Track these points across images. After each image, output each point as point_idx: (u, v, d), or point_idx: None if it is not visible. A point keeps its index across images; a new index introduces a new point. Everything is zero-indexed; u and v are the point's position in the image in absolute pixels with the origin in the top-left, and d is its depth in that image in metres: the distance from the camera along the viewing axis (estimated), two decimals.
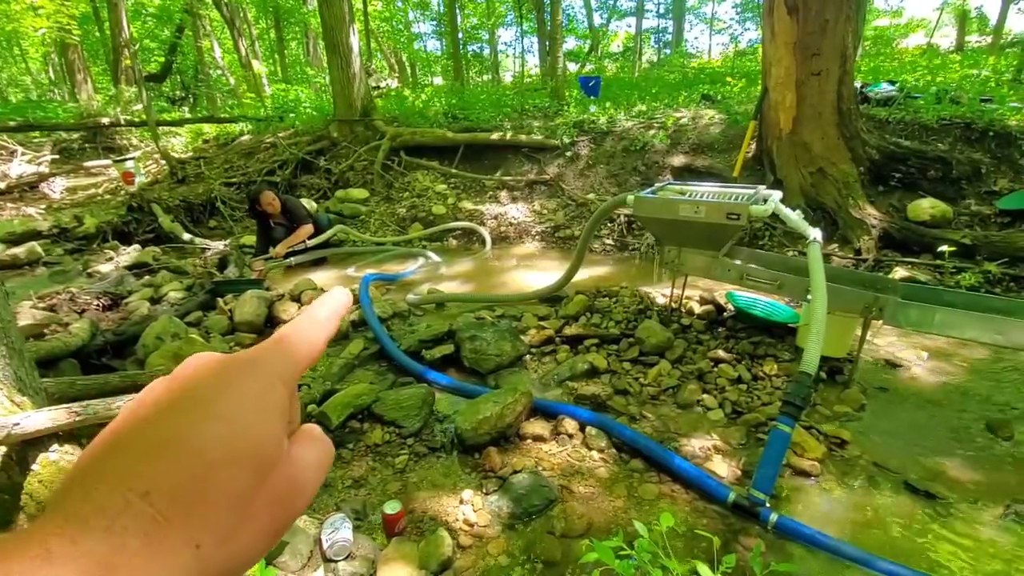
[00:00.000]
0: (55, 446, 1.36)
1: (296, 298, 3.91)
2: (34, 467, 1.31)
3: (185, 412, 0.24)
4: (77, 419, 1.42)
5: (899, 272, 4.10)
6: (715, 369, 2.91)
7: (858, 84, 5.89)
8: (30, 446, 1.41)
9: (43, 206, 7.51)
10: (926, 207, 4.63)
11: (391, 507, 1.88)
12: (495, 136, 7.14)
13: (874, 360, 3.06)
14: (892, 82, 6.47)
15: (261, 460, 0.25)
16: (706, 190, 3.27)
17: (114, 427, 0.25)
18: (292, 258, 5.03)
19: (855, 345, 2.77)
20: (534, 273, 4.94)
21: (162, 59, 16.41)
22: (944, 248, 4.13)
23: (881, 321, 2.57)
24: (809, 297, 2.42)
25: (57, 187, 8.65)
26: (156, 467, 0.22)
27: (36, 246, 5.36)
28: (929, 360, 3.05)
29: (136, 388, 2.46)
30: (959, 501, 2.02)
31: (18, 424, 1.28)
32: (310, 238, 5.15)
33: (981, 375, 2.89)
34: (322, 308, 0.32)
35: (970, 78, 7.10)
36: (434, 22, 23.64)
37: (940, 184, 4.91)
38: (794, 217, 2.75)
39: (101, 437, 0.24)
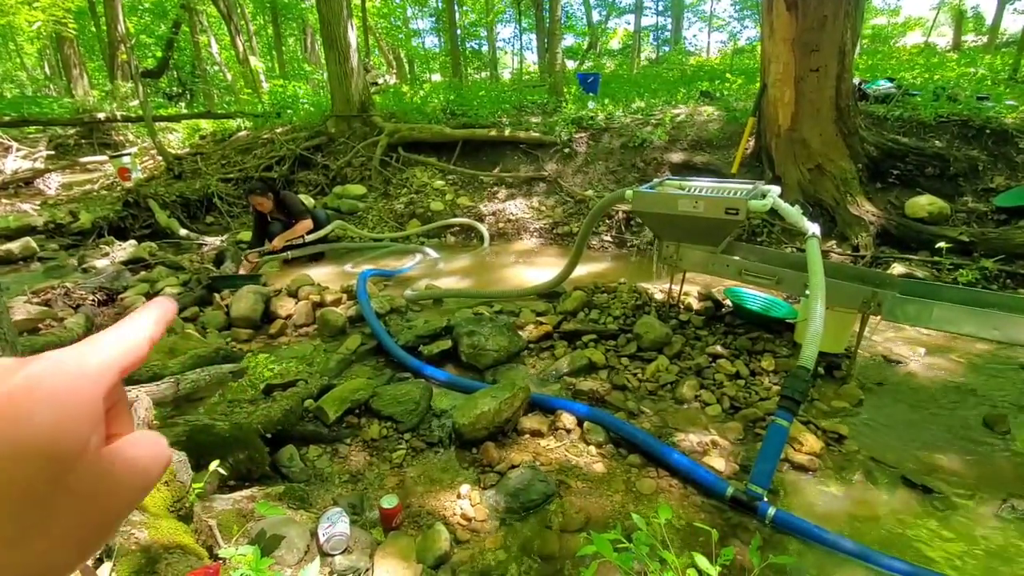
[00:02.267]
0: None
1: (293, 293, 3.89)
2: None
3: None
4: None
5: (897, 269, 4.11)
6: (713, 365, 2.91)
7: (856, 81, 5.89)
8: None
9: (38, 202, 7.46)
10: (924, 204, 4.64)
11: (388, 501, 1.88)
12: (493, 132, 7.12)
13: (872, 356, 3.06)
14: (890, 79, 6.47)
15: (55, 457, 0.23)
16: (705, 185, 3.26)
17: None
18: (288, 252, 5.01)
19: (853, 341, 2.77)
20: (532, 269, 4.93)
21: (159, 55, 16.33)
22: (942, 245, 4.13)
23: (879, 317, 2.57)
24: (807, 292, 2.42)
25: (52, 183, 8.60)
26: None
27: (31, 241, 5.33)
28: (926, 356, 3.06)
29: (131, 382, 2.44)
30: (956, 496, 2.02)
31: None
32: (308, 234, 5.14)
33: (978, 370, 2.90)
34: (145, 312, 0.30)
35: (967, 76, 7.11)
36: (432, 18, 23.60)
37: (938, 181, 4.92)
38: (793, 212, 2.75)
39: None
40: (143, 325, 0.29)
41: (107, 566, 1.16)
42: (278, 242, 4.93)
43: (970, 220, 4.60)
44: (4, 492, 0.21)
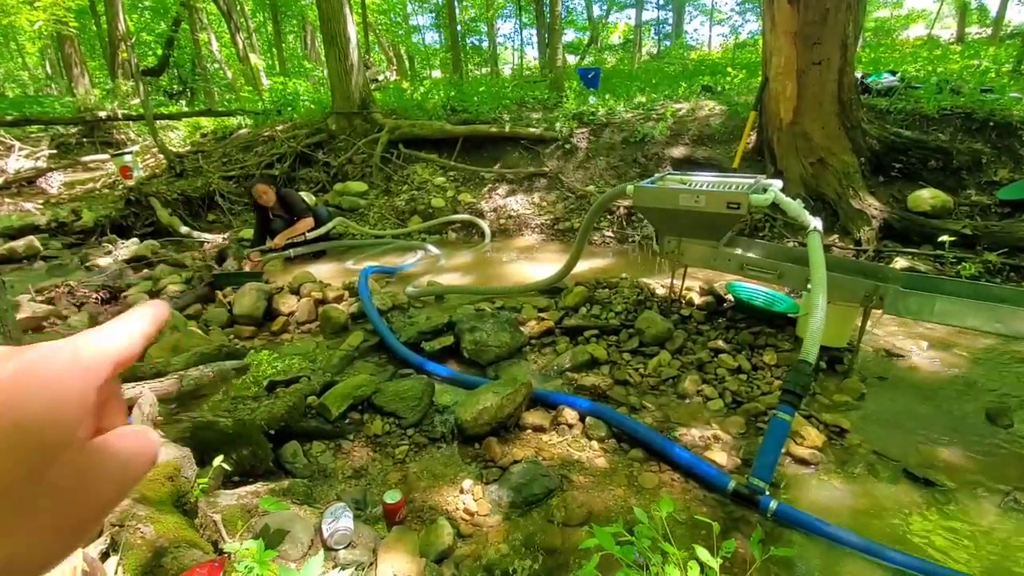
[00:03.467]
0: None
1: (295, 291, 3.90)
2: None
3: None
4: None
5: (900, 262, 4.10)
6: (715, 359, 2.91)
7: (859, 74, 5.86)
8: None
9: (41, 201, 7.50)
10: (927, 197, 4.62)
11: (391, 496, 1.88)
12: (494, 129, 7.11)
13: (874, 349, 3.06)
14: (893, 72, 6.44)
15: (39, 447, 0.22)
16: (706, 180, 3.26)
17: None
18: (291, 250, 5.02)
19: (855, 335, 2.77)
20: (534, 265, 4.93)
21: (159, 53, 16.32)
22: (945, 238, 4.12)
23: (881, 310, 2.57)
24: (809, 287, 2.42)
25: (55, 182, 8.64)
26: None
27: (34, 240, 5.36)
28: (929, 349, 3.05)
29: (135, 379, 2.45)
30: (958, 489, 2.02)
31: None
32: (309, 231, 5.15)
33: (981, 364, 2.90)
34: (139, 311, 0.31)
35: (970, 69, 7.06)
36: (432, 14, 23.53)
37: (941, 174, 4.90)
38: (794, 206, 2.74)
39: None
40: (138, 323, 0.29)
41: (113, 560, 1.17)
42: (280, 240, 4.94)
43: (973, 213, 4.58)
44: None
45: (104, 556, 1.16)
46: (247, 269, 4.62)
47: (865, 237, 4.52)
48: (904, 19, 19.27)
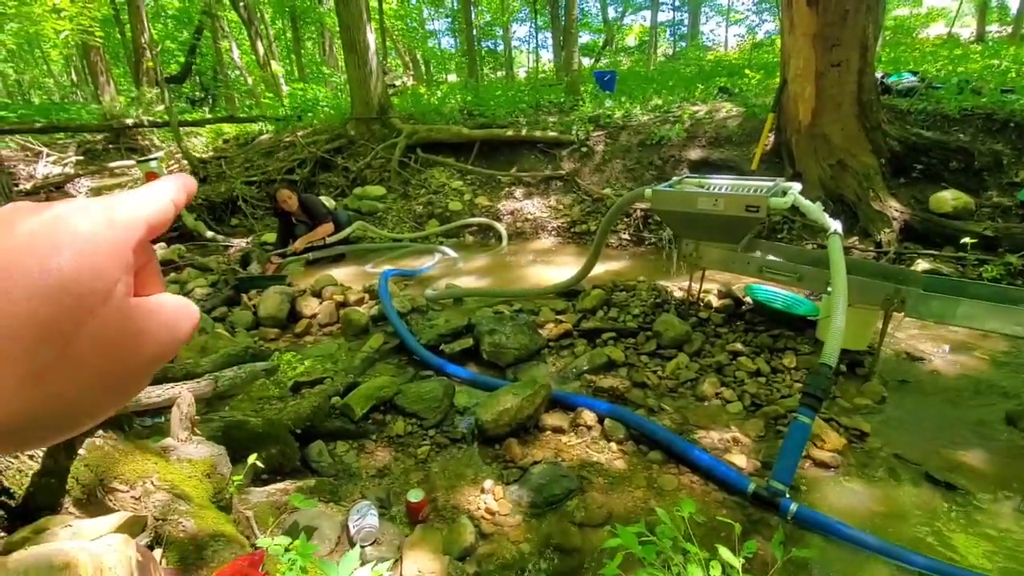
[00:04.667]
0: (100, 432, 1.43)
1: (317, 293, 3.98)
2: (80, 451, 1.38)
3: None
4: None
5: (921, 264, 4.06)
6: (734, 362, 2.92)
7: (879, 74, 5.80)
8: None
9: None
10: (948, 199, 4.57)
11: (414, 495, 1.93)
12: (510, 132, 7.16)
13: (895, 353, 3.04)
14: (914, 72, 6.36)
15: (82, 296, 0.22)
16: (724, 183, 3.27)
17: None
18: (310, 254, 5.12)
19: (876, 338, 2.75)
20: (551, 268, 4.96)
21: (182, 60, 16.68)
22: (966, 240, 4.07)
23: (902, 313, 2.56)
24: (829, 289, 2.42)
25: (82, 187, 8.87)
26: None
27: None
28: (951, 353, 3.02)
29: (166, 380, 2.54)
30: (979, 492, 2.01)
31: None
32: (329, 236, 5.24)
33: (1002, 367, 2.86)
34: (168, 179, 0.30)
35: (991, 68, 6.95)
36: (448, 19, 23.71)
37: (962, 175, 4.84)
38: (814, 209, 2.74)
39: None
40: (169, 188, 0.29)
41: (157, 552, 1.23)
42: (300, 244, 5.04)
43: (995, 215, 4.52)
44: (24, 326, 0.21)
45: (150, 548, 1.22)
46: (269, 272, 4.73)
47: (886, 239, 4.48)
48: (924, 18, 18.94)
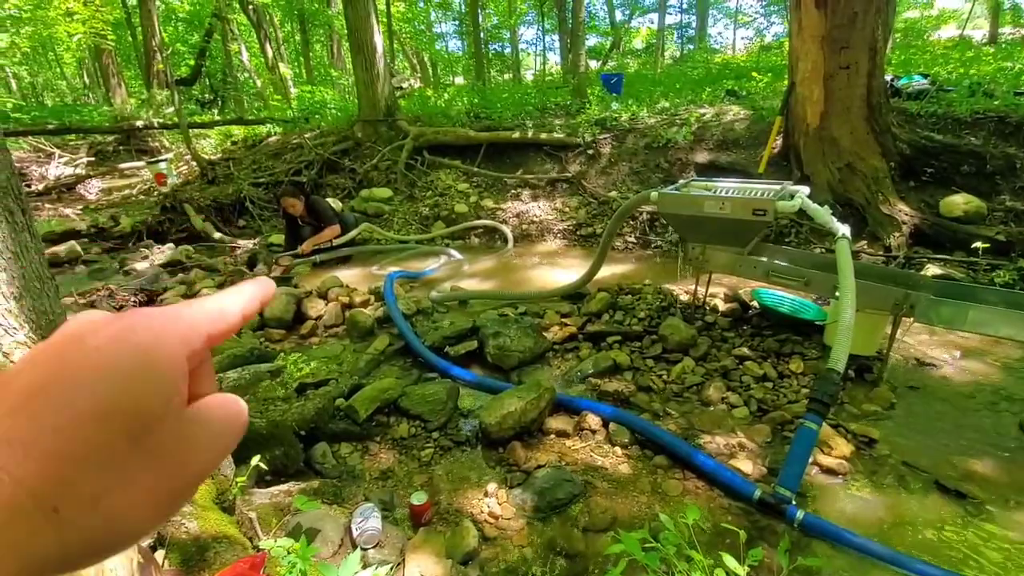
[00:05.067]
0: None
1: (323, 295, 3.99)
2: None
3: (58, 364, 0.22)
4: None
5: (931, 269, 4.01)
6: (740, 367, 2.89)
7: (889, 77, 5.75)
8: None
9: (80, 207, 7.80)
10: (959, 203, 4.52)
11: (418, 498, 1.93)
12: (517, 135, 7.16)
13: (904, 358, 3.00)
14: (924, 75, 6.30)
15: (138, 415, 0.23)
16: (731, 186, 3.24)
17: None
18: (317, 256, 5.14)
19: (885, 343, 2.72)
20: (556, 271, 4.95)
21: (192, 63, 16.83)
22: (978, 245, 4.02)
23: (912, 319, 2.53)
24: (837, 294, 2.39)
25: (93, 188, 8.97)
26: (14, 422, 0.20)
27: (75, 245, 5.57)
28: (961, 359, 2.98)
29: None
30: (991, 501, 1.98)
31: None
32: (335, 238, 5.26)
33: (1015, 374, 2.82)
34: (245, 286, 0.31)
35: (1004, 71, 6.87)
36: (455, 22, 23.78)
37: (974, 179, 4.78)
38: (822, 212, 2.71)
39: None
40: (239, 299, 0.30)
41: (160, 554, 1.23)
42: (307, 246, 5.07)
43: (1008, 219, 4.46)
44: (86, 450, 0.21)
45: (152, 549, 1.22)
46: (276, 274, 4.75)
47: (895, 243, 4.43)
48: (935, 20, 18.79)
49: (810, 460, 2.07)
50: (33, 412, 0.21)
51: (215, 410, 0.27)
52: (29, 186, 8.41)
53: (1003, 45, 11.92)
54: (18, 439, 0.20)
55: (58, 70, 25.62)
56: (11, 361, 1.48)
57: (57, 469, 0.20)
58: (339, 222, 5.33)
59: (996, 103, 5.27)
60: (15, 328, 1.49)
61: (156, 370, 0.24)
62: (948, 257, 4.22)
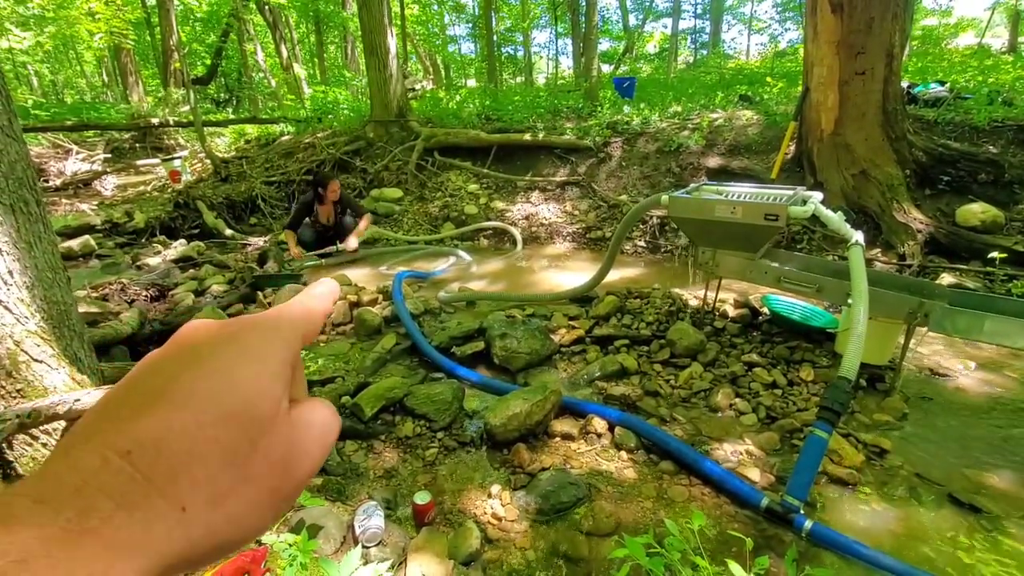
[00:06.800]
0: None
1: None
2: None
3: (178, 369, 0.24)
4: None
5: (946, 279, 3.95)
6: (749, 373, 2.86)
7: (905, 84, 5.69)
8: None
9: (95, 202, 7.89)
10: (976, 211, 4.45)
11: (421, 497, 1.92)
12: (527, 137, 7.16)
13: (918, 368, 2.95)
14: (942, 82, 6.23)
15: (255, 417, 0.24)
16: (743, 191, 3.21)
17: (112, 391, 0.24)
18: (324, 260, 5.16)
19: (897, 352, 2.68)
20: (565, 273, 4.94)
21: (208, 62, 17.04)
22: (995, 254, 3.95)
23: (926, 328, 2.49)
24: (849, 302, 2.36)
25: (109, 184, 9.08)
26: (142, 424, 0.21)
27: (90, 239, 5.64)
28: (977, 370, 2.93)
29: None
30: (1006, 515, 1.93)
31: (79, 400, 1.36)
32: (342, 239, 5.27)
33: None
34: (319, 288, 0.33)
35: (1023, 80, 6.78)
36: (469, 24, 23.89)
37: (991, 188, 4.71)
38: (835, 219, 2.68)
39: (100, 400, 0.24)
40: (318, 300, 0.31)
41: None
42: (353, 241, 5.13)
43: None
44: (211, 451, 0.22)
45: None
46: (290, 257, 4.90)
47: (909, 251, 4.37)
48: (953, 28, 18.58)
49: (819, 469, 2.04)
50: (160, 416, 0.22)
51: (315, 414, 0.28)
52: (47, 181, 8.54)
53: (1023, 53, 11.76)
54: (149, 440, 0.21)
55: (78, 68, 26.06)
56: (22, 350, 1.49)
57: (186, 469, 0.21)
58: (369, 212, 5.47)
59: (1015, 111, 5.21)
60: (26, 317, 1.50)
61: (267, 374, 0.25)
62: (964, 267, 4.15)
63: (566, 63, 22.95)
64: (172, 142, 11.82)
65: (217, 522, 0.22)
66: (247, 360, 0.24)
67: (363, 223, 5.28)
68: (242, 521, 0.23)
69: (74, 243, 5.49)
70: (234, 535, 0.23)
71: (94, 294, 3.77)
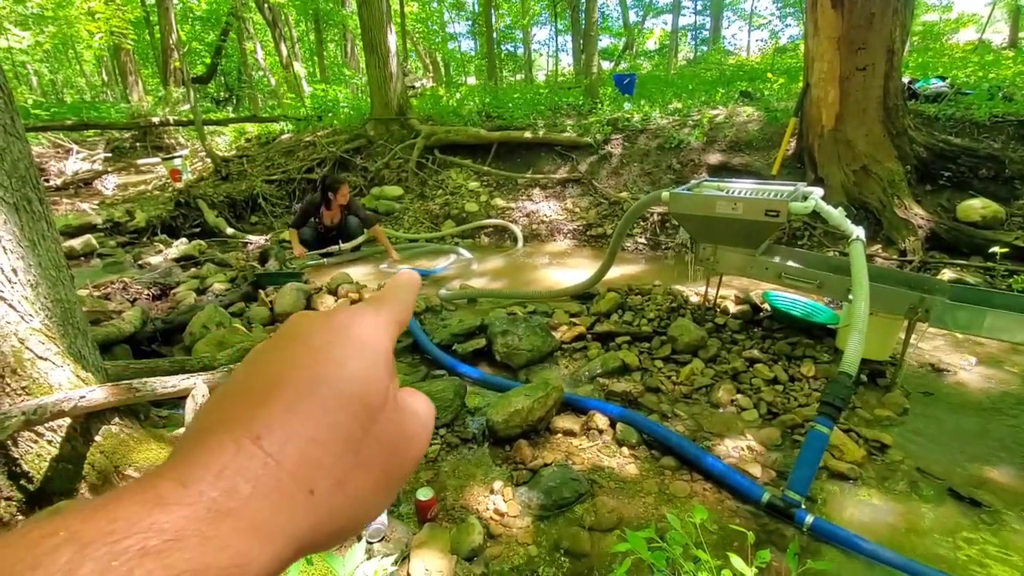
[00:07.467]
0: (116, 419, 1.45)
1: (333, 291, 4.01)
2: (96, 438, 1.40)
3: (295, 358, 0.24)
4: (136, 395, 1.51)
5: (947, 274, 3.95)
6: (750, 369, 2.87)
7: (906, 79, 5.68)
8: (93, 419, 1.52)
9: (96, 201, 7.89)
10: (977, 207, 4.45)
11: (424, 494, 1.93)
12: (528, 134, 7.16)
13: (919, 364, 2.96)
14: (942, 78, 6.22)
15: (368, 404, 0.25)
16: (744, 187, 3.22)
17: (229, 381, 0.25)
18: (325, 260, 5.17)
19: (898, 348, 2.68)
20: (565, 271, 4.94)
21: (208, 61, 17.03)
22: (996, 250, 3.95)
23: (927, 323, 2.49)
24: (850, 297, 2.36)
25: (109, 183, 9.08)
26: (269, 411, 0.22)
27: (91, 239, 5.65)
28: (977, 365, 2.93)
29: (183, 372, 2.57)
30: (1006, 510, 1.94)
31: (83, 397, 1.37)
32: (344, 241, 5.27)
33: None
34: (403, 279, 0.34)
35: None
36: (469, 22, 23.85)
37: (992, 183, 4.71)
38: (836, 215, 2.68)
39: (218, 390, 0.25)
40: (404, 292, 0.32)
41: None
42: (392, 251, 5.18)
43: None
44: (333, 436, 0.23)
45: None
46: (292, 256, 4.88)
47: (910, 247, 4.37)
48: (954, 23, 18.52)
49: (820, 464, 2.05)
50: (286, 403, 0.22)
51: (416, 402, 0.29)
52: (48, 181, 8.54)
53: (1023, 49, 11.73)
54: (278, 425, 0.22)
55: (78, 67, 26.03)
56: (27, 347, 1.50)
57: (312, 453, 0.22)
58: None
59: (1016, 107, 5.20)
60: (30, 315, 1.51)
61: (376, 361, 0.26)
62: (965, 262, 4.15)
63: (566, 60, 22.92)
64: (172, 141, 11.81)
65: (339, 505, 0.23)
66: (359, 350, 0.25)
67: (383, 240, 5.26)
68: (363, 503, 0.24)
69: (76, 242, 5.50)
70: (356, 517, 0.24)
71: (96, 293, 3.77)
